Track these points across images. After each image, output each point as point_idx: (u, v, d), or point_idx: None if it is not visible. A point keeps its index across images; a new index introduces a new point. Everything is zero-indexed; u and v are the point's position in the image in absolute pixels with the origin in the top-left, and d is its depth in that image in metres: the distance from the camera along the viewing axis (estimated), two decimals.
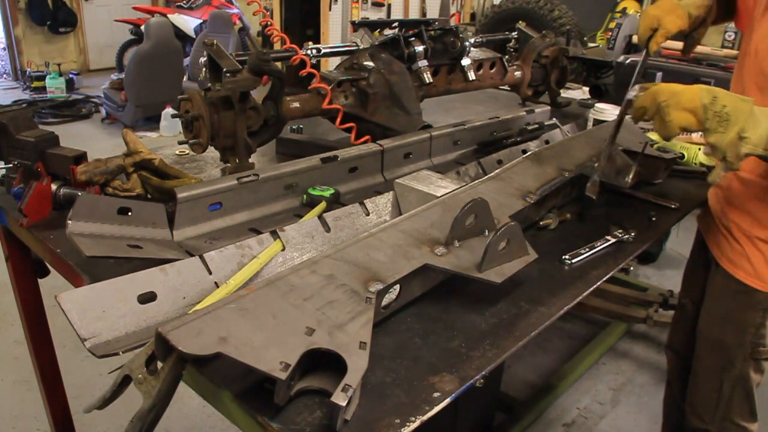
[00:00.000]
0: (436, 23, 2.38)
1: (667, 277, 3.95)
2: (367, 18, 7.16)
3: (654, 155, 1.85)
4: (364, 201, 1.47)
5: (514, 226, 1.21)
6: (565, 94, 2.92)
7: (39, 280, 1.86)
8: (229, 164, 1.71)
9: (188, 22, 7.89)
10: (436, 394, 0.96)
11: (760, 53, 1.45)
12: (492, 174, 1.56)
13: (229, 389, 0.95)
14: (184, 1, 8.15)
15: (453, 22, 7.09)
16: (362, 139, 1.95)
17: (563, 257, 1.42)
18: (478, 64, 2.42)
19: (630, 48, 3.24)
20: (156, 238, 1.38)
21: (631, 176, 1.70)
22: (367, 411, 0.92)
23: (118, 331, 1.04)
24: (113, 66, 8.28)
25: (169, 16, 7.68)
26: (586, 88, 3.15)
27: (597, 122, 2.29)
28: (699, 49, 3.02)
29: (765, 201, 1.51)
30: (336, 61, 2.26)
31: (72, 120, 7.03)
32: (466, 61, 2.30)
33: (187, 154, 1.97)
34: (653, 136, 2.15)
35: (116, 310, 1.05)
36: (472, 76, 2.33)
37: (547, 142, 2.07)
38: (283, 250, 1.27)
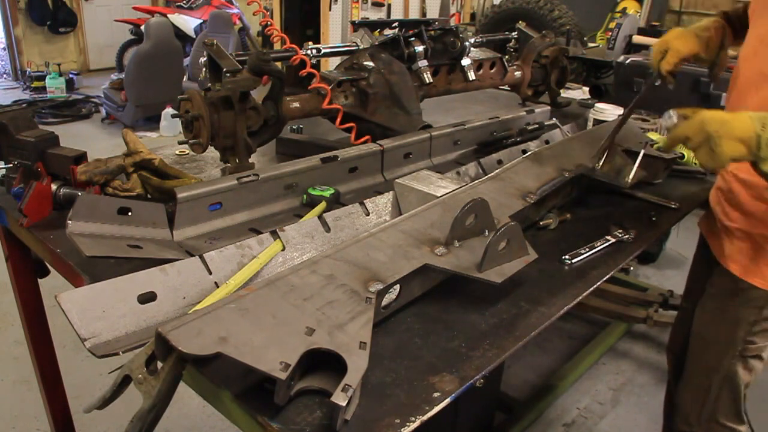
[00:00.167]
0: (436, 23, 2.38)
1: (667, 277, 3.95)
2: (367, 18, 7.15)
3: (654, 155, 1.85)
4: (364, 201, 1.47)
5: (514, 226, 1.21)
6: (565, 94, 2.92)
7: (39, 280, 1.86)
8: (229, 164, 1.71)
9: (188, 22, 7.89)
10: (436, 394, 0.96)
11: (759, 53, 1.45)
12: (492, 174, 1.56)
13: (229, 389, 0.95)
14: (184, 1, 8.15)
15: (453, 22, 7.09)
16: (362, 139, 1.95)
17: (563, 257, 1.42)
18: (478, 64, 2.42)
19: (630, 48, 3.24)
20: (156, 238, 1.38)
21: (631, 176, 1.70)
22: (367, 411, 0.92)
23: (118, 331, 1.04)
24: (113, 66, 8.28)
25: (169, 16, 7.68)
26: (586, 88, 3.15)
27: (597, 122, 2.30)
28: None
29: (766, 201, 1.50)
30: (336, 61, 2.26)
31: (72, 120, 7.03)
32: (466, 61, 2.30)
33: (187, 154, 1.97)
34: (653, 136, 2.15)
35: (116, 310, 1.05)
36: (472, 76, 2.33)
37: (547, 142, 2.07)
38: (283, 250, 1.28)
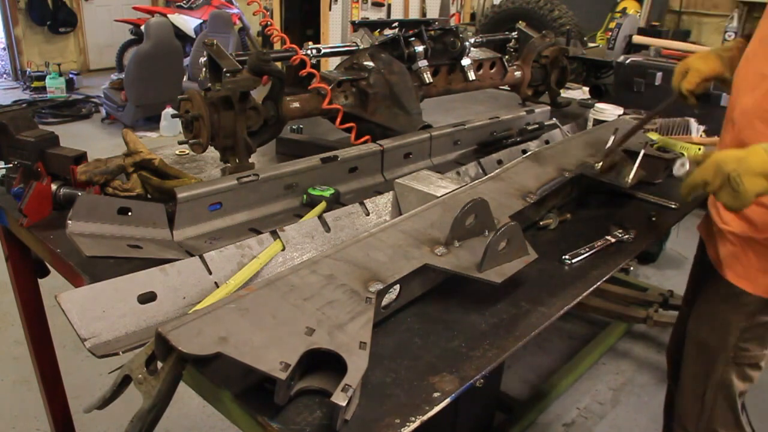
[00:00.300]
0: (436, 23, 2.38)
1: (667, 277, 3.95)
2: (367, 18, 7.15)
3: (654, 155, 1.85)
4: (364, 201, 1.47)
5: (514, 226, 1.21)
6: (565, 94, 2.92)
7: (39, 280, 1.86)
8: (229, 164, 1.71)
9: (188, 22, 7.89)
10: (436, 394, 0.96)
11: (758, 54, 1.45)
12: (492, 174, 1.56)
13: (229, 389, 0.95)
14: (184, 1, 8.14)
15: (453, 22, 7.09)
16: (362, 139, 1.95)
17: (563, 257, 1.42)
18: (478, 64, 2.42)
19: (630, 48, 3.24)
20: (156, 238, 1.38)
21: (631, 176, 1.70)
22: (367, 411, 0.92)
23: (118, 331, 1.04)
24: (113, 66, 8.27)
25: (169, 16, 7.67)
26: (586, 88, 3.15)
27: (597, 122, 2.30)
28: (699, 49, 3.03)
29: (760, 204, 1.47)
30: (336, 61, 2.26)
31: (72, 120, 7.03)
32: (466, 61, 2.30)
33: (187, 154, 1.97)
34: (653, 136, 2.15)
35: (116, 310, 1.05)
36: (472, 76, 2.33)
37: (547, 142, 2.07)
38: (283, 250, 1.28)
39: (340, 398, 0.83)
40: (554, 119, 2.30)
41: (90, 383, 2.75)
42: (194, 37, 7.57)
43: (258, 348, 0.86)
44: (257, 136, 1.76)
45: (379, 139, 1.88)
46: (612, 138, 1.75)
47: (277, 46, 4.85)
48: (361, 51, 2.09)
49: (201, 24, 7.65)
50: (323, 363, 0.93)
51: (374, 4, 7.54)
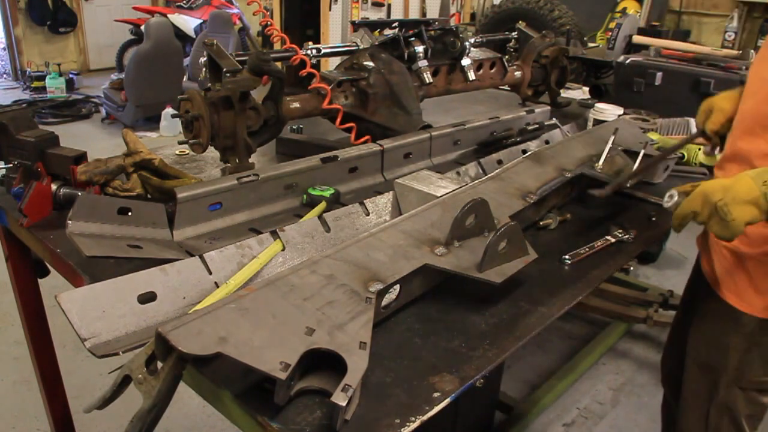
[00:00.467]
0: (436, 23, 2.38)
1: (667, 277, 3.95)
2: (367, 18, 7.15)
3: (654, 155, 1.85)
4: (364, 201, 1.47)
5: (514, 226, 1.21)
6: (565, 94, 2.92)
7: (39, 280, 1.86)
8: (229, 164, 1.71)
9: (188, 22, 7.88)
10: (436, 394, 0.96)
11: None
12: (492, 174, 1.56)
13: (229, 389, 0.95)
14: (184, 1, 8.14)
15: (453, 22, 7.09)
16: (362, 139, 1.95)
17: (563, 257, 1.42)
18: (478, 64, 2.42)
19: (630, 48, 3.24)
20: (156, 238, 1.38)
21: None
22: (367, 411, 0.92)
23: (118, 331, 1.04)
24: (113, 66, 8.27)
25: (169, 16, 7.67)
26: (586, 88, 3.15)
27: (597, 122, 2.29)
28: (699, 49, 3.03)
29: None
30: (336, 61, 2.26)
31: (72, 120, 7.03)
32: (466, 61, 2.30)
33: (187, 154, 1.97)
34: (653, 136, 2.15)
35: (116, 310, 1.05)
36: (472, 76, 2.33)
37: (547, 142, 2.07)
38: (283, 250, 1.27)
39: (340, 398, 0.83)
40: (554, 119, 2.30)
41: (90, 383, 2.75)
42: (194, 37, 7.57)
43: (258, 348, 0.86)
44: (257, 136, 1.76)
45: (379, 139, 1.88)
46: (612, 140, 1.74)
47: (277, 46, 4.85)
48: (361, 51, 2.09)
49: (201, 24, 7.65)
50: (323, 363, 0.93)
51: (374, 4, 7.55)
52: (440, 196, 1.40)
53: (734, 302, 1.47)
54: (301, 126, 2.22)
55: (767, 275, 1.41)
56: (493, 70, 2.52)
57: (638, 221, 1.65)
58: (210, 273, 1.18)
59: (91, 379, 2.78)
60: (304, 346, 0.89)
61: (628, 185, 1.71)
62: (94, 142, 6.18)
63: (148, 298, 1.09)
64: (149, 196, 1.58)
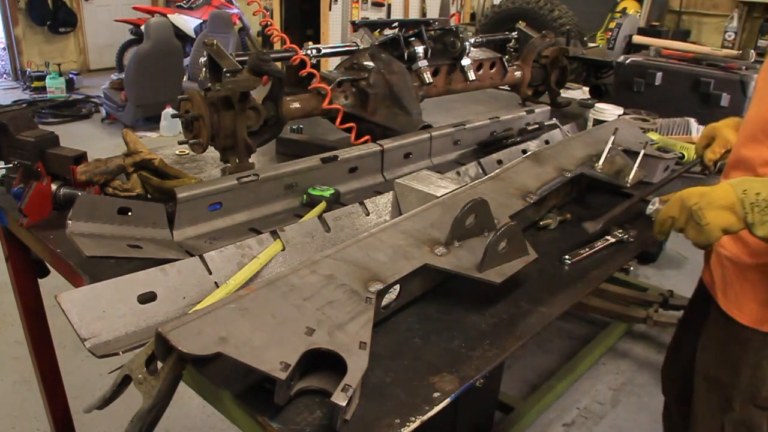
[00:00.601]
0: (436, 23, 2.38)
1: (667, 277, 3.95)
2: (367, 18, 7.15)
3: (654, 155, 1.85)
4: (364, 201, 1.47)
5: (514, 226, 1.21)
6: (565, 94, 2.92)
7: (39, 280, 1.86)
8: (229, 164, 1.71)
9: (188, 22, 7.88)
10: (436, 394, 0.96)
11: None
12: (492, 174, 1.56)
13: (229, 389, 0.95)
14: (184, 1, 8.14)
15: (453, 22, 7.09)
16: (362, 139, 1.95)
17: (563, 257, 1.42)
18: (478, 64, 2.42)
19: (630, 48, 3.24)
20: (156, 238, 1.38)
21: (631, 176, 1.70)
22: (367, 411, 0.92)
23: (118, 331, 1.04)
24: (113, 66, 8.27)
25: (169, 16, 7.67)
26: (586, 88, 3.15)
27: (597, 122, 2.30)
28: (699, 49, 3.03)
29: None
30: (336, 61, 2.26)
31: (72, 120, 7.03)
32: (466, 61, 2.31)
33: (187, 154, 1.97)
34: (653, 136, 2.15)
35: (116, 310, 1.05)
36: (472, 76, 2.33)
37: (547, 142, 2.07)
38: (283, 250, 1.27)
39: (340, 398, 0.83)
40: (554, 119, 2.30)
41: (90, 383, 2.75)
42: (194, 37, 7.57)
43: (258, 348, 0.86)
44: (257, 136, 1.76)
45: (379, 139, 1.88)
46: (612, 140, 1.74)
47: (277, 46, 4.85)
48: (361, 51, 2.09)
49: (201, 24, 7.65)
50: (323, 363, 0.93)
51: (374, 4, 7.55)
52: (440, 196, 1.40)
53: (737, 315, 1.41)
54: (301, 126, 2.22)
55: None
56: (493, 70, 2.52)
57: (638, 221, 1.65)
58: (210, 273, 1.18)
59: (91, 379, 2.78)
60: (304, 346, 0.89)
61: (628, 185, 1.71)
62: (94, 142, 6.18)
63: (148, 298, 1.09)
64: (149, 196, 1.58)
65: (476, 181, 1.50)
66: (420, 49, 2.14)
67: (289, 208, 1.61)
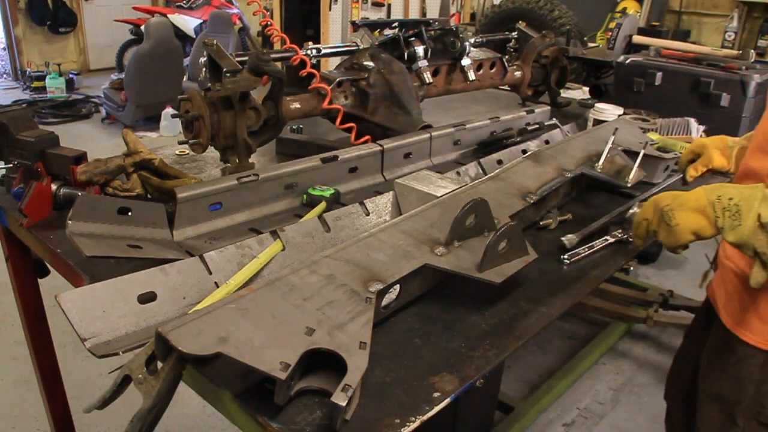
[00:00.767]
0: (436, 23, 2.38)
1: (667, 277, 3.95)
2: (367, 18, 7.15)
3: (654, 155, 1.85)
4: (364, 201, 1.47)
5: (514, 226, 1.21)
6: (565, 94, 2.92)
7: (39, 280, 1.86)
8: (229, 164, 1.71)
9: (188, 22, 7.89)
10: (436, 394, 0.96)
11: None
12: (492, 174, 1.56)
13: (229, 389, 0.95)
14: (184, 1, 8.14)
15: (453, 22, 7.08)
16: (362, 139, 1.95)
17: (563, 257, 1.42)
18: (478, 64, 2.42)
19: (630, 48, 3.24)
20: (156, 238, 1.38)
21: (631, 176, 1.70)
22: (367, 411, 0.92)
23: (118, 331, 1.04)
24: (113, 66, 8.27)
25: (169, 16, 7.67)
26: (586, 88, 3.15)
27: (597, 122, 2.29)
28: (699, 49, 3.03)
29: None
30: (336, 61, 2.26)
31: (72, 120, 7.03)
32: (466, 61, 2.31)
33: (187, 154, 1.96)
34: (653, 136, 2.15)
35: (116, 310, 1.05)
36: (472, 76, 2.33)
37: (547, 142, 2.07)
38: (283, 250, 1.27)
39: (340, 398, 0.83)
40: (554, 119, 2.30)
41: (90, 383, 2.75)
42: (194, 37, 7.58)
43: (258, 348, 0.86)
44: (257, 136, 1.76)
45: (379, 139, 1.88)
46: (612, 140, 1.74)
47: (277, 46, 4.85)
48: (361, 51, 2.09)
49: (201, 24, 7.65)
50: (323, 363, 0.93)
51: (374, 4, 7.55)
52: (440, 196, 1.40)
53: (739, 332, 1.38)
54: (301, 126, 2.22)
55: None
56: (493, 70, 2.52)
57: None
58: (210, 273, 1.18)
59: (91, 379, 2.78)
60: (304, 346, 0.89)
61: (629, 185, 1.71)
62: (94, 142, 6.18)
63: (148, 298, 1.09)
64: (149, 196, 1.58)
65: (476, 181, 1.50)
66: (420, 49, 2.14)
67: (289, 208, 1.61)
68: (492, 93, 3.06)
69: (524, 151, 1.95)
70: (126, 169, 1.57)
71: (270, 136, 1.83)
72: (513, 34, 2.90)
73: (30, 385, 2.70)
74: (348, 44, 2.20)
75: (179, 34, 7.29)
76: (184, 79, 6.61)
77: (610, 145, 1.74)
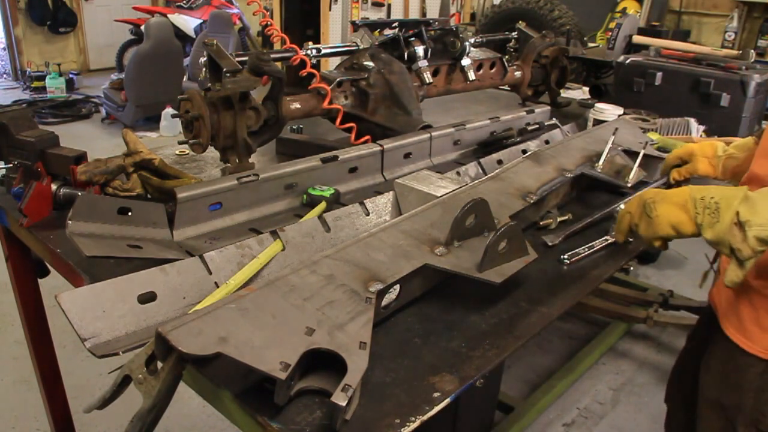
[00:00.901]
0: (436, 23, 2.38)
1: (667, 277, 3.95)
2: (367, 18, 7.15)
3: (654, 155, 1.85)
4: (364, 201, 1.47)
5: (514, 226, 1.21)
6: (565, 94, 2.92)
7: (39, 280, 1.86)
8: (229, 164, 1.71)
9: (188, 22, 7.89)
10: (436, 394, 0.96)
11: None
12: (492, 174, 1.56)
13: (229, 389, 0.95)
14: (184, 1, 8.14)
15: (453, 22, 7.08)
16: (362, 139, 1.95)
17: (563, 257, 1.42)
18: (478, 64, 2.42)
19: (630, 48, 3.24)
20: (156, 238, 1.38)
21: (631, 176, 1.70)
22: (367, 411, 0.92)
23: (118, 331, 1.04)
24: (113, 66, 8.27)
25: (169, 16, 7.67)
26: (586, 88, 3.15)
27: (597, 122, 2.29)
28: (699, 49, 3.03)
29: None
30: (336, 61, 2.26)
31: (72, 120, 7.03)
32: (466, 61, 2.31)
33: (187, 154, 1.97)
34: (653, 136, 2.15)
35: (116, 310, 1.05)
36: (472, 76, 2.33)
37: (547, 142, 2.07)
38: (283, 250, 1.27)
39: (340, 398, 0.83)
40: (554, 119, 2.30)
41: (90, 383, 2.75)
42: (194, 37, 7.57)
43: (258, 348, 0.86)
44: (257, 136, 1.76)
45: (379, 139, 1.88)
46: (612, 140, 1.74)
47: (277, 46, 4.85)
48: (361, 51, 2.09)
49: (201, 24, 7.65)
50: (323, 363, 0.93)
51: (374, 4, 7.55)
52: (440, 196, 1.40)
53: (739, 341, 1.37)
54: (301, 126, 2.22)
55: None
56: (493, 70, 2.52)
57: None
58: (210, 273, 1.18)
59: (91, 379, 2.78)
60: (304, 346, 0.89)
61: (629, 185, 1.71)
62: (94, 142, 6.18)
63: (148, 298, 1.09)
64: (149, 196, 1.58)
65: (476, 181, 1.50)
66: (420, 49, 2.14)
67: (289, 208, 1.61)
68: (492, 93, 3.06)
69: (524, 151, 1.95)
70: (126, 169, 1.57)
71: (270, 136, 1.83)
72: (513, 34, 2.90)
73: (30, 385, 2.70)
74: (348, 44, 2.20)
75: (179, 34, 7.29)
76: (184, 79, 6.61)
77: (610, 145, 1.74)
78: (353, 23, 2.25)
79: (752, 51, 2.71)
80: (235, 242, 1.25)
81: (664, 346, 3.33)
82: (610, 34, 3.24)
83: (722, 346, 1.42)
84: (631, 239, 1.33)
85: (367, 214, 1.46)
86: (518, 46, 2.87)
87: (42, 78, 7.71)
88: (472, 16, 9.01)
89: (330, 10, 6.98)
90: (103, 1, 9.03)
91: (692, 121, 2.32)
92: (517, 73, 2.65)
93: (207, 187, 1.45)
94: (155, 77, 6.10)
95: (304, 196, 1.62)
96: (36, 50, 8.63)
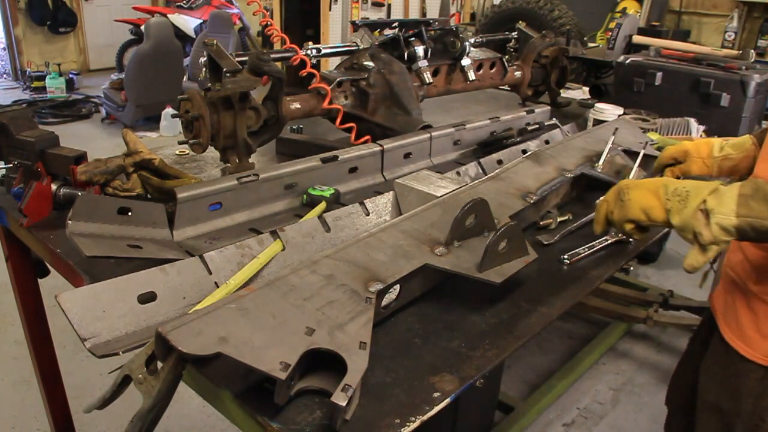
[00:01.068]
0: (436, 23, 2.38)
1: (667, 277, 3.95)
2: (367, 18, 7.15)
3: (654, 155, 1.85)
4: (364, 201, 1.47)
5: (514, 226, 1.21)
6: (565, 94, 2.92)
7: (39, 280, 1.86)
8: (229, 164, 1.71)
9: (188, 22, 7.88)
10: (436, 394, 0.96)
11: None
12: (492, 174, 1.56)
13: (229, 389, 0.95)
14: (184, 1, 8.14)
15: (453, 22, 7.08)
16: (362, 139, 1.95)
17: (563, 257, 1.42)
18: (478, 64, 2.42)
19: (630, 48, 3.24)
20: (156, 238, 1.38)
21: (631, 176, 1.70)
22: (367, 411, 0.92)
23: (118, 331, 1.04)
24: (113, 66, 8.27)
25: (169, 16, 7.67)
26: (586, 88, 3.15)
27: (597, 122, 2.29)
28: (699, 49, 3.03)
29: (760, 248, 1.30)
30: (336, 61, 2.26)
31: (72, 120, 7.03)
32: (466, 61, 2.31)
33: (187, 154, 1.97)
34: (653, 136, 2.15)
35: (116, 310, 1.05)
36: (472, 76, 2.33)
37: (547, 142, 2.07)
38: (283, 250, 1.27)
39: (340, 398, 0.83)
40: (554, 119, 2.30)
41: (90, 383, 2.75)
42: (194, 37, 7.57)
43: (258, 348, 0.86)
44: (257, 136, 1.76)
45: (379, 139, 1.88)
46: (612, 140, 1.74)
47: (277, 46, 4.85)
48: (361, 51, 2.09)
49: (201, 24, 7.65)
50: (323, 363, 0.93)
51: (374, 4, 7.55)
52: (440, 196, 1.40)
53: (738, 346, 1.37)
54: (301, 126, 2.22)
55: None
56: (493, 70, 2.52)
57: None
58: (210, 273, 1.18)
59: (91, 379, 2.78)
60: (304, 346, 0.89)
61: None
62: (94, 142, 6.18)
63: (148, 298, 1.09)
64: (149, 196, 1.58)
65: (476, 181, 1.50)
66: (420, 49, 2.14)
67: (289, 208, 1.61)
68: (492, 93, 3.06)
69: (524, 151, 1.95)
70: (126, 169, 1.57)
71: (270, 136, 1.83)
72: (513, 34, 2.90)
73: (30, 385, 2.71)
74: (348, 44, 2.20)
75: (179, 34, 7.28)
76: (184, 79, 6.61)
77: (610, 145, 1.74)
78: (353, 23, 2.25)
79: (752, 51, 2.71)
80: (235, 242, 1.25)
81: (664, 347, 3.33)
82: (610, 34, 3.23)
83: (721, 351, 1.42)
84: (609, 229, 1.36)
85: (367, 214, 1.46)
86: (518, 46, 2.87)
87: (42, 78, 7.71)
88: (472, 16, 9.01)
89: (330, 10, 6.98)
90: (103, 1, 9.03)
91: (692, 121, 2.32)
92: (517, 73, 2.65)
93: (207, 187, 1.45)
94: (155, 77, 6.10)
95: (304, 196, 1.62)
96: (36, 50, 8.63)
